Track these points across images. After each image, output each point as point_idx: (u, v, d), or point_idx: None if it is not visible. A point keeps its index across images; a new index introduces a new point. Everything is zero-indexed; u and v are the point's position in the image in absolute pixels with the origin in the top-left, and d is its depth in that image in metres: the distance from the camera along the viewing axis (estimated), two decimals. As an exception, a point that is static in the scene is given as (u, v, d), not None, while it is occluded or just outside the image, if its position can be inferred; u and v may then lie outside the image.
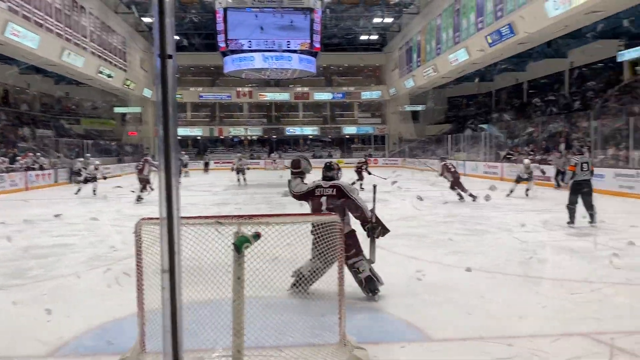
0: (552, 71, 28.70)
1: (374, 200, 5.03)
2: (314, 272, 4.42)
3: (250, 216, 3.32)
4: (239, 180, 20.85)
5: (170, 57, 1.37)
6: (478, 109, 37.31)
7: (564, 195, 9.77)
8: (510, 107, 32.19)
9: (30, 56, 22.31)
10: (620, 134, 16.97)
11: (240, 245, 3.10)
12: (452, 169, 13.47)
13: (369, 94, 42.78)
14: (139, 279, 3.28)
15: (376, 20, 36.08)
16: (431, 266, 6.29)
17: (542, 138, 22.90)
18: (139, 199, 14.05)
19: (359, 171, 17.69)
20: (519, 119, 27.94)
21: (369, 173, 17.35)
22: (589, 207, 8.75)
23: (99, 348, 3.71)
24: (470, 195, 12.90)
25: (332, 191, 4.93)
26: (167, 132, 1.41)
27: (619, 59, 21.23)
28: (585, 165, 8.86)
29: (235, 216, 3.26)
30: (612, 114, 19.20)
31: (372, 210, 4.90)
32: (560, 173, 15.82)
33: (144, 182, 14.34)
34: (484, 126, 28.99)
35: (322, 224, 3.83)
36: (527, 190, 14.08)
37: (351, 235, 4.76)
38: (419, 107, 39.56)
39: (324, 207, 4.90)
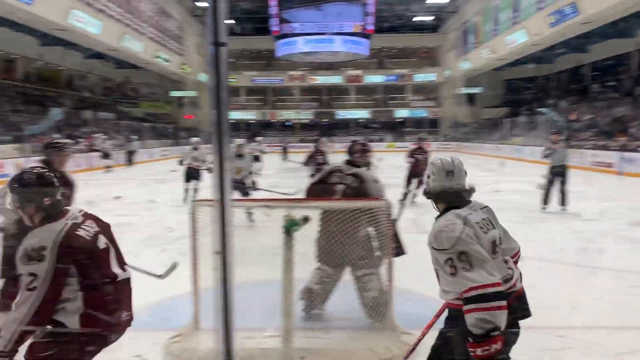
0: (618, 52, 27.08)
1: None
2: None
3: (300, 199, 3.37)
4: (187, 191, 10.44)
5: (223, 44, 1.39)
6: (536, 93, 35.80)
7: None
8: (571, 91, 30.73)
9: (93, 42, 23.41)
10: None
11: (289, 228, 3.15)
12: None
13: (423, 77, 41.85)
14: (194, 259, 3.39)
15: (431, 1, 35.12)
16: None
17: (603, 123, 21.78)
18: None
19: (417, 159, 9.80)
20: (579, 103, 26.66)
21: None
22: None
23: (156, 324, 3.88)
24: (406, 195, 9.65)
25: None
26: (220, 118, 1.44)
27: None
28: None
29: (284, 199, 3.32)
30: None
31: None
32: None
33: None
34: (544, 110, 27.84)
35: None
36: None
37: None
38: (475, 90, 38.26)
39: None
